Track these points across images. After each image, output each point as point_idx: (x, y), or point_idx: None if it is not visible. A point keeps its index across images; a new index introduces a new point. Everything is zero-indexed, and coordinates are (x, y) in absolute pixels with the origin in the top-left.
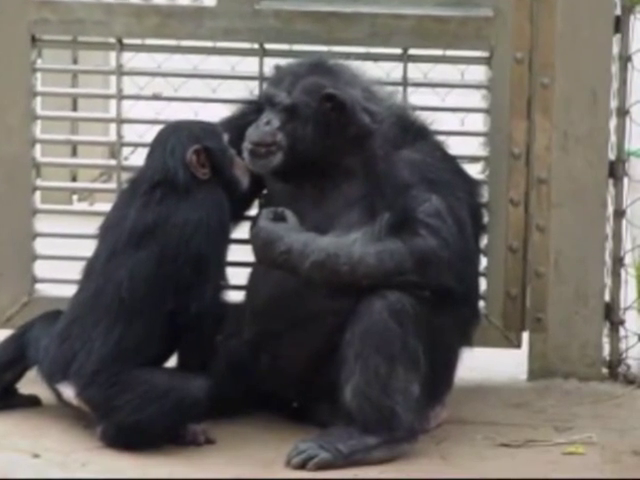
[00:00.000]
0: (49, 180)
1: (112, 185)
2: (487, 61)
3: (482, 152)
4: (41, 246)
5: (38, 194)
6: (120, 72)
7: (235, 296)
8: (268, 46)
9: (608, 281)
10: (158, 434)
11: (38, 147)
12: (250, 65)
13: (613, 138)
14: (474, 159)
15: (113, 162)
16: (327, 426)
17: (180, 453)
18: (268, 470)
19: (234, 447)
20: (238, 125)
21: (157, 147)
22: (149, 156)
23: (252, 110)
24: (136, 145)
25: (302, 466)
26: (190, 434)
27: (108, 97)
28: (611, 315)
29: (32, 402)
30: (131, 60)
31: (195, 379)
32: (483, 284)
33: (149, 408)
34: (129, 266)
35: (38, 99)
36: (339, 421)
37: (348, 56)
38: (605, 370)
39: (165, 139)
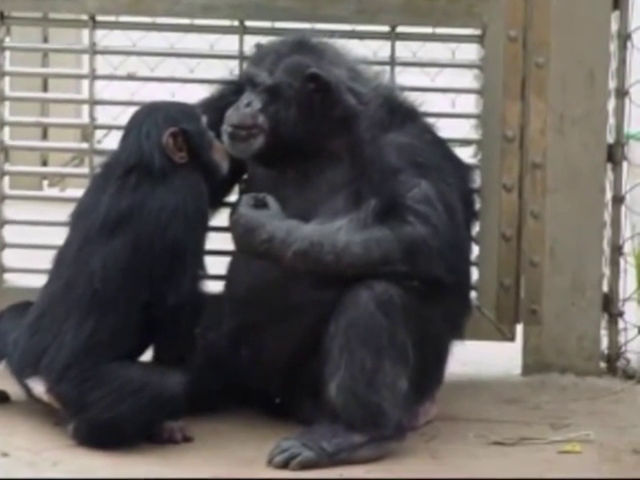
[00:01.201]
0: (18, 164)
1: (84, 170)
2: (479, 39)
3: (474, 135)
4: (10, 234)
5: (7, 179)
6: (93, 51)
7: (214, 286)
8: (249, 23)
9: (606, 271)
10: (133, 432)
11: (7, 130)
12: (230, 43)
13: (611, 120)
14: (465, 142)
15: (85, 145)
16: (311, 423)
17: (156, 452)
18: (249, 469)
19: (213, 445)
20: (217, 107)
21: (132, 130)
22: (123, 139)
23: (232, 91)
24: (110, 127)
25: (285, 465)
26: (167, 432)
27: (80, 77)
28: (609, 306)
29: (0, 398)
30: (104, 38)
31: (172, 374)
32: (475, 274)
33: (123, 404)
34: (102, 255)
35: (7, 79)
36: (323, 418)
37: (333, 34)
38: (603, 364)
39: (140, 121)
